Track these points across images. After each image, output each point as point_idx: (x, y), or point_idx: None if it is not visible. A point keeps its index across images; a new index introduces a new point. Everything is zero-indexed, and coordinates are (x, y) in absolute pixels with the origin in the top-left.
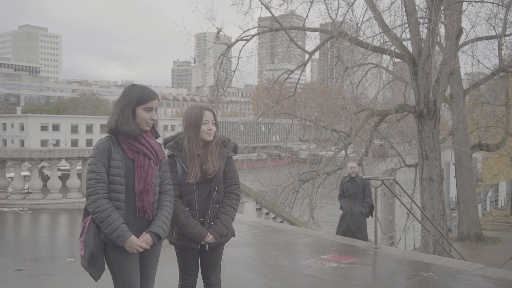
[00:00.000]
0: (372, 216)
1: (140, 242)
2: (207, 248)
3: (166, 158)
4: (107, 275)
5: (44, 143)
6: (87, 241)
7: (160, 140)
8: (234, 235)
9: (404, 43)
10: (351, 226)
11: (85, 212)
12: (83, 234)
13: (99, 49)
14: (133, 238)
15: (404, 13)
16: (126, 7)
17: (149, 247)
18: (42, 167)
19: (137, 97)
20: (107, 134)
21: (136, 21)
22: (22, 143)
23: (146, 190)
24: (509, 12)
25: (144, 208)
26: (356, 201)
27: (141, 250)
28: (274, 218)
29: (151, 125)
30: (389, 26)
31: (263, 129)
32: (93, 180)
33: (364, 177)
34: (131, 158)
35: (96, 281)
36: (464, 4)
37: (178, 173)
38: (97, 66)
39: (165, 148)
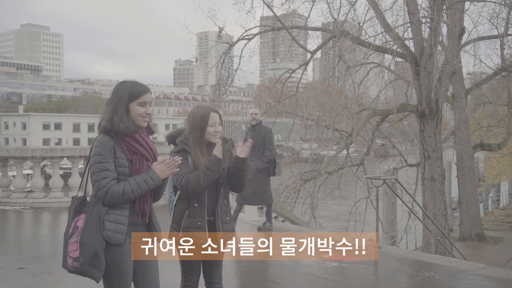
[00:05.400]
0: (275, 174)
1: (161, 163)
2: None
3: (174, 152)
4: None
5: (46, 141)
6: (86, 241)
7: (161, 138)
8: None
9: (406, 42)
10: (249, 186)
11: (75, 211)
12: (78, 234)
13: (93, 46)
14: (156, 168)
15: (406, 13)
16: (124, 5)
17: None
18: (44, 165)
19: (128, 92)
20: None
21: (132, 19)
22: (24, 141)
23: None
24: (511, 12)
25: (142, 210)
26: (255, 154)
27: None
28: (275, 217)
29: (147, 119)
30: (391, 26)
31: None
32: (108, 178)
33: (365, 176)
34: (129, 159)
35: (97, 282)
36: (466, 4)
37: (190, 167)
38: (91, 64)
39: (169, 144)
